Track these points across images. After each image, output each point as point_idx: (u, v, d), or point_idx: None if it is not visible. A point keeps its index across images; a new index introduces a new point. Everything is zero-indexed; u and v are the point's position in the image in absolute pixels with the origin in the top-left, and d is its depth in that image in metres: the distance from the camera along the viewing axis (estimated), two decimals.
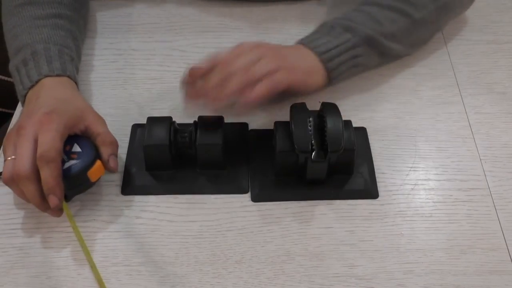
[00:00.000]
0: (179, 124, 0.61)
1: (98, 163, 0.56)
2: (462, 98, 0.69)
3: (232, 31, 0.76)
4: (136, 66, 0.72)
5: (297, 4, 0.80)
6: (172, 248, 0.56)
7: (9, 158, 0.54)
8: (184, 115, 0.65)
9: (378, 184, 0.61)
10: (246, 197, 0.60)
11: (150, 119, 0.60)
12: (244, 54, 0.59)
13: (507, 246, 0.56)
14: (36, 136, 0.53)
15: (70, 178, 0.54)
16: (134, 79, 0.70)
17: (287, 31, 0.76)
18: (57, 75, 0.61)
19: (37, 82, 0.60)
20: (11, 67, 0.64)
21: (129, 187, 0.60)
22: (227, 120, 0.62)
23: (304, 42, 0.64)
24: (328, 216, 0.58)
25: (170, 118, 0.60)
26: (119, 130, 0.65)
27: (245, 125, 0.66)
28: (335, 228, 0.58)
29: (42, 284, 0.54)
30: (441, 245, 0.56)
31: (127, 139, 0.64)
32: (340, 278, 0.54)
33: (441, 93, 0.70)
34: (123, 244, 0.56)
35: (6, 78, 0.83)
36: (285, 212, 0.58)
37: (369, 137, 0.64)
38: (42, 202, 0.54)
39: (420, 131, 0.65)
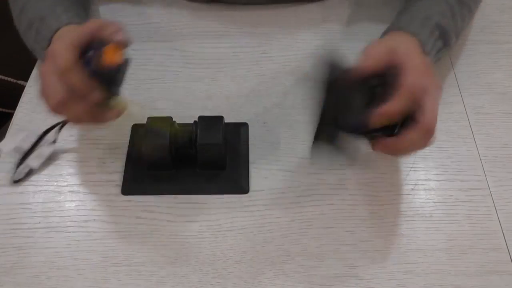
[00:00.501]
0: (179, 124, 0.61)
1: (106, 47, 0.53)
2: (462, 98, 0.69)
3: (232, 31, 0.76)
4: (136, 66, 0.72)
5: (298, 6, 0.80)
6: (172, 248, 0.56)
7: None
8: (184, 115, 0.65)
9: (378, 184, 0.61)
10: (246, 197, 0.60)
11: (150, 119, 0.60)
12: (436, 105, 0.52)
13: (507, 246, 0.56)
14: (53, 67, 0.52)
15: (96, 74, 0.52)
16: (134, 79, 0.70)
17: (287, 31, 0.76)
18: (66, 24, 0.60)
19: (50, 39, 0.60)
20: (30, 44, 0.64)
21: (129, 187, 0.60)
22: (227, 120, 0.62)
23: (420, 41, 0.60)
24: (328, 216, 0.58)
25: (170, 118, 0.60)
26: (119, 130, 0.65)
27: (245, 125, 0.66)
28: (335, 228, 0.58)
29: (42, 284, 0.54)
30: (441, 245, 0.56)
31: (127, 139, 0.64)
32: (340, 278, 0.54)
33: (441, 93, 0.70)
34: (123, 244, 0.56)
35: (6, 78, 0.83)
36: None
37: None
38: (94, 115, 0.54)
39: None
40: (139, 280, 0.54)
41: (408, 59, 0.51)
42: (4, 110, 0.85)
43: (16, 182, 0.61)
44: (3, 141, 0.63)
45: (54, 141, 0.63)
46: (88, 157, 0.63)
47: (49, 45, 0.60)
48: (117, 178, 0.61)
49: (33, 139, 0.62)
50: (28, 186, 0.61)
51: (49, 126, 0.63)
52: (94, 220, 0.58)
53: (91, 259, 0.55)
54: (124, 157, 0.63)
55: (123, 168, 0.62)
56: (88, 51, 0.53)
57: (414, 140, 0.50)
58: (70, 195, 0.60)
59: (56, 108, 0.53)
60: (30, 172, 0.62)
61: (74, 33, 0.54)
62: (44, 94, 0.53)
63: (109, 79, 0.53)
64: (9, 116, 0.70)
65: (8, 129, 0.66)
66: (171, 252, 0.56)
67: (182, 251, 0.56)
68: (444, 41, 0.63)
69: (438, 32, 0.62)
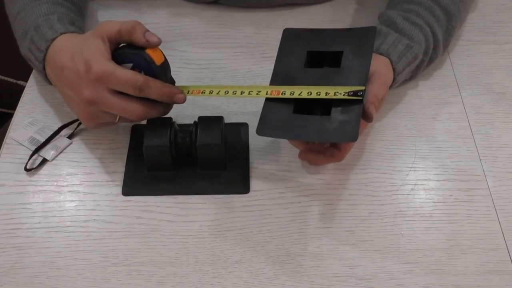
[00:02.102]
0: (179, 125, 0.61)
1: (148, 50, 0.56)
2: (462, 98, 0.69)
3: (232, 31, 0.77)
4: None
5: (298, 7, 0.80)
6: (172, 248, 0.56)
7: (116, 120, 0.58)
8: (184, 115, 0.65)
9: (378, 184, 0.61)
10: (246, 197, 0.60)
11: (150, 120, 0.60)
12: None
13: (507, 246, 0.56)
14: (100, 86, 0.55)
15: (156, 75, 0.56)
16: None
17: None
18: (61, 33, 0.61)
19: (47, 49, 0.61)
20: (24, 52, 0.64)
21: (129, 188, 0.60)
22: (227, 120, 0.62)
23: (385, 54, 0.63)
24: (328, 216, 0.58)
25: (170, 118, 0.60)
26: (120, 131, 0.65)
27: (245, 125, 0.66)
28: (335, 228, 0.58)
29: (42, 284, 0.54)
30: (441, 245, 0.56)
31: (127, 139, 0.64)
32: (340, 278, 0.54)
33: (441, 93, 0.70)
34: (123, 244, 0.56)
35: (6, 78, 0.83)
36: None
37: (368, 137, 0.64)
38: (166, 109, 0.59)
39: (420, 131, 0.65)
40: (139, 280, 0.54)
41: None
42: (4, 110, 0.85)
43: (28, 170, 0.62)
44: (18, 132, 0.64)
45: (70, 136, 0.64)
46: (88, 157, 0.63)
47: (44, 56, 0.61)
48: (117, 178, 0.61)
49: (49, 132, 0.64)
50: (28, 186, 0.61)
51: (66, 122, 0.65)
52: (94, 220, 0.58)
53: (91, 259, 0.55)
54: (124, 157, 0.63)
55: (123, 168, 0.62)
56: (118, 58, 0.56)
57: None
58: (70, 195, 0.60)
59: (133, 120, 0.58)
60: (43, 162, 0.62)
61: (101, 47, 0.55)
62: (103, 117, 0.58)
63: (167, 74, 0.58)
64: (9, 116, 0.70)
65: (9, 129, 0.66)
66: (171, 252, 0.56)
67: (182, 251, 0.56)
68: (413, 75, 0.67)
69: (413, 65, 0.65)
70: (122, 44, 0.58)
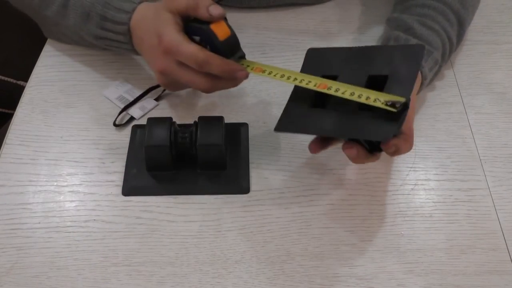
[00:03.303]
0: (179, 125, 0.61)
1: (212, 25, 0.56)
2: (462, 98, 0.69)
3: None
4: (137, 66, 0.72)
5: (298, 7, 0.80)
6: (172, 248, 0.56)
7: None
8: (184, 115, 0.65)
9: (378, 184, 0.61)
10: (246, 197, 0.60)
11: (150, 120, 0.60)
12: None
13: (507, 246, 0.56)
14: (169, 58, 0.57)
15: (221, 51, 0.56)
16: (134, 79, 0.70)
17: (288, 31, 0.76)
18: (139, 3, 0.63)
19: (129, 20, 0.62)
20: (93, 32, 0.65)
21: (129, 188, 0.60)
22: (227, 120, 0.62)
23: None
24: (328, 216, 0.58)
25: (170, 118, 0.60)
26: (119, 130, 0.65)
27: (245, 125, 0.66)
28: (335, 228, 0.58)
29: (42, 284, 0.54)
30: (441, 245, 0.56)
31: (127, 139, 0.64)
32: (340, 278, 0.54)
33: (441, 93, 0.70)
34: (123, 244, 0.56)
35: (6, 78, 0.83)
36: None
37: None
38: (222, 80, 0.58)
39: (420, 131, 0.65)
40: (139, 280, 0.54)
41: (411, 107, 0.55)
42: (4, 110, 0.85)
43: (117, 126, 0.65)
44: (109, 90, 0.69)
45: (157, 98, 0.68)
46: (88, 157, 0.63)
47: (129, 27, 0.62)
48: (117, 178, 0.61)
49: (137, 93, 0.68)
50: (28, 186, 0.61)
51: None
52: (94, 220, 0.58)
53: (91, 259, 0.55)
54: (124, 157, 0.63)
55: (123, 168, 0.62)
56: (189, 30, 0.57)
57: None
58: (70, 195, 0.60)
59: (201, 89, 0.59)
60: (130, 120, 0.66)
61: (172, 20, 0.57)
62: (176, 85, 0.61)
63: (233, 49, 0.57)
64: (9, 116, 0.70)
65: (8, 130, 0.66)
66: (171, 252, 0.56)
67: (182, 251, 0.56)
68: (433, 78, 0.67)
69: (437, 67, 0.65)
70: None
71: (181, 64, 0.57)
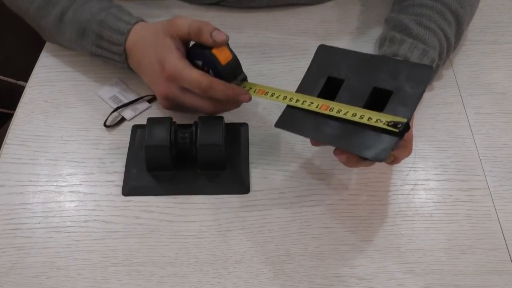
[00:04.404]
0: (179, 125, 0.61)
1: (214, 49, 0.57)
2: (461, 98, 0.69)
3: (232, 32, 0.76)
4: None
5: (298, 7, 0.80)
6: (172, 248, 0.56)
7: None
8: (184, 115, 0.65)
9: (378, 184, 0.61)
10: (246, 197, 0.60)
11: (150, 120, 0.60)
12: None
13: (507, 246, 0.56)
14: (173, 84, 0.58)
15: (222, 75, 0.57)
16: (134, 79, 0.70)
17: (288, 31, 0.76)
18: (134, 24, 0.63)
19: (125, 41, 0.62)
20: (89, 49, 0.65)
21: (129, 188, 0.60)
22: (227, 120, 0.62)
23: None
24: (328, 216, 0.58)
25: (170, 118, 0.60)
26: (119, 131, 0.65)
27: (245, 125, 0.66)
28: (335, 228, 0.58)
29: (42, 284, 0.54)
30: (441, 245, 0.56)
31: (127, 139, 0.64)
32: (340, 278, 0.54)
33: (441, 93, 0.70)
34: (123, 244, 0.56)
35: (6, 79, 0.83)
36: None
37: None
38: (221, 104, 0.60)
39: (420, 131, 0.65)
40: (139, 280, 0.54)
41: None
42: (4, 110, 0.85)
43: (108, 126, 0.65)
44: (103, 89, 0.68)
45: (150, 100, 0.68)
46: (88, 157, 0.63)
47: (124, 48, 0.63)
48: (117, 178, 0.61)
49: (131, 93, 0.68)
50: (28, 186, 0.61)
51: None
52: (94, 220, 0.58)
53: (91, 259, 0.55)
54: (124, 157, 0.63)
55: (123, 168, 0.62)
56: (190, 55, 0.59)
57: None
58: (70, 195, 0.60)
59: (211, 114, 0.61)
60: (121, 121, 0.66)
61: (173, 47, 0.57)
62: (179, 108, 0.62)
63: (235, 72, 0.59)
64: (9, 116, 0.70)
65: (8, 130, 0.66)
66: (171, 252, 0.56)
67: (182, 251, 0.56)
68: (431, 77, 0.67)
69: (434, 66, 0.64)
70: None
71: (185, 89, 0.58)
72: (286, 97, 0.56)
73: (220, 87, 0.57)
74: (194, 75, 0.56)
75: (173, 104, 0.62)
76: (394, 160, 0.55)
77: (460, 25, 0.68)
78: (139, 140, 0.64)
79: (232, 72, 0.58)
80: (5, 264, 0.55)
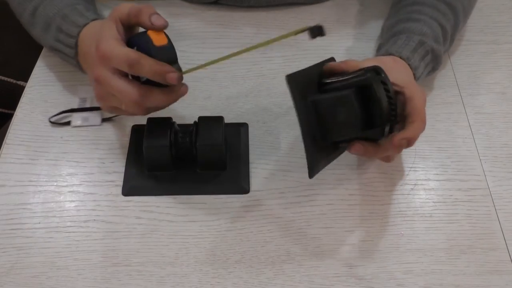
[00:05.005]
0: (179, 125, 0.61)
1: (149, 31, 0.55)
2: (461, 98, 0.69)
3: (232, 32, 0.77)
4: None
5: (298, 7, 0.80)
6: (172, 248, 0.56)
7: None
8: (184, 115, 0.65)
9: (378, 184, 0.61)
10: (246, 197, 0.60)
11: (150, 120, 0.60)
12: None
13: (507, 246, 0.56)
14: (111, 69, 0.55)
15: (154, 55, 0.54)
16: None
17: (288, 31, 0.76)
18: (92, 20, 0.63)
19: (78, 34, 0.62)
20: (50, 43, 0.65)
21: (129, 188, 0.60)
22: (227, 120, 0.62)
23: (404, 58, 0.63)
24: (328, 216, 0.58)
25: (170, 119, 0.60)
26: (120, 131, 0.65)
27: (245, 125, 0.66)
28: (335, 228, 0.58)
29: (42, 284, 0.54)
30: (441, 245, 0.56)
31: (127, 139, 0.64)
32: (340, 278, 0.54)
33: (441, 93, 0.70)
34: (123, 244, 0.56)
35: (6, 78, 0.83)
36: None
37: None
38: (170, 97, 0.56)
39: None
40: (139, 280, 0.54)
41: (411, 91, 0.56)
42: (4, 110, 0.85)
43: (52, 123, 0.65)
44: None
45: (105, 119, 0.66)
46: (88, 157, 0.63)
47: (76, 41, 0.62)
48: (117, 178, 0.61)
49: (88, 104, 0.67)
50: (28, 186, 0.61)
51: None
52: (94, 220, 0.58)
53: (91, 259, 0.55)
54: (124, 157, 0.63)
55: (123, 168, 0.62)
56: (129, 43, 0.56)
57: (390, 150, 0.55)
58: (70, 195, 0.60)
59: (134, 108, 0.55)
60: (66, 124, 0.66)
61: (113, 28, 0.55)
62: (110, 99, 0.56)
63: (169, 60, 0.55)
64: (9, 116, 0.70)
65: (8, 129, 0.66)
66: (171, 252, 0.56)
67: (182, 251, 0.56)
68: (434, 64, 0.66)
69: (430, 56, 0.64)
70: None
71: (116, 72, 0.55)
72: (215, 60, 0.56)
73: (148, 61, 0.53)
74: (123, 51, 0.53)
75: (104, 92, 0.57)
76: (410, 140, 0.54)
77: (456, 15, 0.68)
78: (139, 141, 0.64)
79: (165, 58, 0.54)
80: (5, 264, 0.55)
